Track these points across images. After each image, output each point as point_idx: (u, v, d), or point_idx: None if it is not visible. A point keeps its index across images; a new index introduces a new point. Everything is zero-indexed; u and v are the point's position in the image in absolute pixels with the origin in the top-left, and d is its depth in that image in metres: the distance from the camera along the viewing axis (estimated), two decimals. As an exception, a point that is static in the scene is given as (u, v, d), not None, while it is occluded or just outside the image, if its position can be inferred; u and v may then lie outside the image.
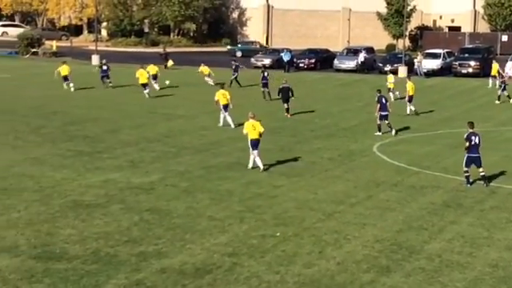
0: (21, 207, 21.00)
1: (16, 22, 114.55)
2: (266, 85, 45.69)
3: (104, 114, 38.88)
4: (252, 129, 26.53)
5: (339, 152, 30.48)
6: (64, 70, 49.61)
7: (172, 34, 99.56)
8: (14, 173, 25.13)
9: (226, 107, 35.47)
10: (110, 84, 50.60)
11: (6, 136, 31.78)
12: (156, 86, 48.85)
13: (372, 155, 30.18)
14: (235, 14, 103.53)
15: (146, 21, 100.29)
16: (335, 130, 35.84)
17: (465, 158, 24.50)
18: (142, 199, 22.32)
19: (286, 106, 39.75)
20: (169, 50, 75.20)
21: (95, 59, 71.46)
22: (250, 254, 17.69)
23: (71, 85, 48.70)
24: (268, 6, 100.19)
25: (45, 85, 50.92)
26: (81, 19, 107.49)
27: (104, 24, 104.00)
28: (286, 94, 39.77)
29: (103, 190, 23.28)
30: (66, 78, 49.17)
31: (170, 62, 63.64)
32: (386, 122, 34.33)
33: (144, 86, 46.36)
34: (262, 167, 26.48)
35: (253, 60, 71.55)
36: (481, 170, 24.57)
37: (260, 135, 26.59)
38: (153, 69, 50.06)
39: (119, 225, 19.66)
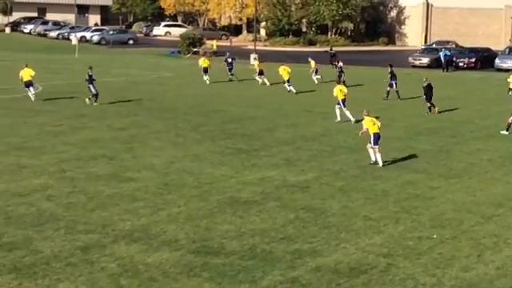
0: (181, 202, 21.63)
1: (178, 22, 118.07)
2: (393, 85, 44.94)
3: (261, 113, 39.41)
4: (372, 124, 26.76)
5: (499, 153, 29.60)
6: (204, 62, 53.79)
7: (329, 34, 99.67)
8: (174, 169, 25.89)
9: (343, 102, 35.90)
10: (233, 77, 54.61)
11: (168, 133, 32.77)
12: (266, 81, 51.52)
13: (535, 157, 29.15)
14: (393, 13, 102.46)
15: (304, 20, 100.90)
16: (495, 131, 34.79)
17: None
18: (297, 197, 22.50)
19: (428, 104, 39.43)
20: (325, 49, 75.24)
21: (253, 58, 72.62)
22: (406, 255, 17.50)
23: (206, 77, 52.63)
24: (427, 4, 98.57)
25: (205, 83, 52.18)
26: (240, 19, 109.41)
27: (263, 24, 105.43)
28: (430, 91, 39.44)
29: (260, 187, 23.63)
30: (205, 70, 53.06)
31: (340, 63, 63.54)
32: None
33: (287, 81, 47.48)
34: (381, 163, 26.49)
35: (410, 59, 70.53)
36: None
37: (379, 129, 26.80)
38: (259, 66, 53.31)
39: (275, 222, 19.90)
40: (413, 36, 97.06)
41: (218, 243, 18.07)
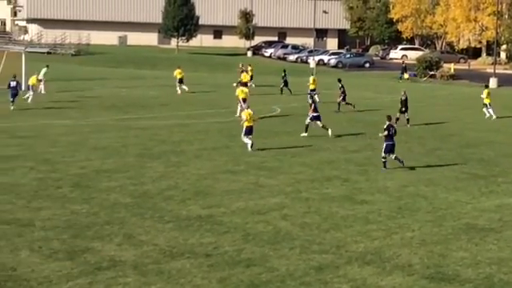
0: (415, 227, 21.41)
1: (415, 46, 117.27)
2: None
3: (499, 138, 38.24)
4: (249, 117, 32.39)
5: None
6: (179, 73, 57.24)
7: None
8: (408, 193, 25.69)
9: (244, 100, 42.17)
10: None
11: (402, 156, 32.45)
12: None
13: None
14: None
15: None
16: None
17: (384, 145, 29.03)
18: (537, 227, 21.57)
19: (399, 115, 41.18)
20: None
21: (493, 82, 70.71)
22: None
23: (184, 87, 57.11)
24: None
25: (441, 107, 51.41)
26: (480, 42, 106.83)
27: (503, 46, 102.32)
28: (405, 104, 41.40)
29: (497, 214, 22.90)
30: (180, 81, 57.32)
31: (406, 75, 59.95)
32: None
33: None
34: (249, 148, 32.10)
35: None
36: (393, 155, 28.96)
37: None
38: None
39: (517, 252, 19.20)
40: None
41: (453, 270, 17.70)
